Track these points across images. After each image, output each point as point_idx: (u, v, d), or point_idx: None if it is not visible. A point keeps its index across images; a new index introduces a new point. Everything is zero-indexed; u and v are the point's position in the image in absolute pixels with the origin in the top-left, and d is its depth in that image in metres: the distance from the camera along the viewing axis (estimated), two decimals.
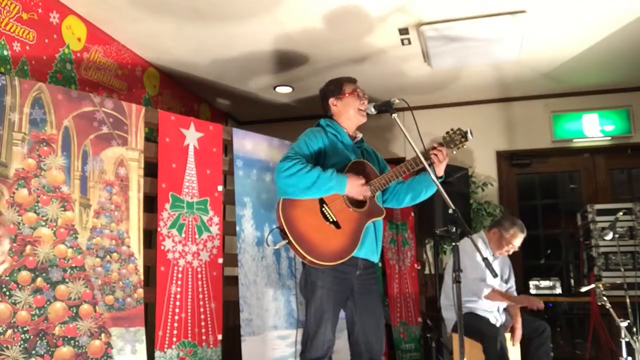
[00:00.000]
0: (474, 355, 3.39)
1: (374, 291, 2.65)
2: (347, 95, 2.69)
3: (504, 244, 3.54)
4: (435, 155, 2.51)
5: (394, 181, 2.57)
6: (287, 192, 2.43)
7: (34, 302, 2.26)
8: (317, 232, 2.44)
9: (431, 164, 2.51)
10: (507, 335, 3.45)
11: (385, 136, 5.29)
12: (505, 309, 3.62)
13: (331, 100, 2.72)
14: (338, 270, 2.48)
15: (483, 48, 3.89)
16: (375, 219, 2.59)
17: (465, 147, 2.56)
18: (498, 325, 3.47)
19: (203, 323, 2.79)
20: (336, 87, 2.73)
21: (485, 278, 3.45)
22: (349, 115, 2.68)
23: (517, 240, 3.53)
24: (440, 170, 2.54)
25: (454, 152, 2.57)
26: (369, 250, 2.58)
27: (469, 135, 2.51)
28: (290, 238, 2.40)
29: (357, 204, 2.53)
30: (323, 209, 2.48)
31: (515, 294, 3.75)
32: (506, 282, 3.74)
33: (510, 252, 3.59)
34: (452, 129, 2.57)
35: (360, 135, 2.78)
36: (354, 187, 2.46)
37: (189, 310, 2.74)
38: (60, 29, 3.35)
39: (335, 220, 2.47)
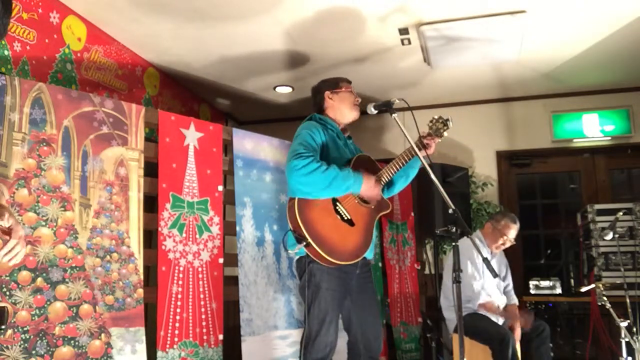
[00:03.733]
0: (475, 355, 3.39)
1: (370, 289, 2.65)
2: (343, 89, 2.73)
3: (498, 237, 3.55)
4: (429, 144, 2.67)
5: (393, 176, 2.61)
6: (303, 191, 2.36)
7: (34, 302, 2.26)
8: (334, 232, 2.41)
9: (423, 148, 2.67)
10: None
11: (385, 136, 5.29)
12: (504, 309, 3.62)
13: (327, 93, 2.73)
14: (342, 270, 2.48)
15: (483, 48, 3.89)
16: (384, 212, 2.60)
17: (446, 135, 2.76)
18: (500, 323, 3.47)
19: (204, 323, 2.79)
20: (333, 82, 2.78)
21: (479, 292, 3.43)
22: (343, 110, 2.71)
23: (511, 231, 3.53)
24: (426, 155, 2.69)
25: (439, 140, 2.75)
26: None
27: (449, 123, 2.69)
28: (310, 240, 2.34)
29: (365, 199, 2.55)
30: (337, 207, 2.45)
31: (513, 292, 3.75)
32: (503, 279, 3.74)
33: (507, 245, 3.58)
34: (434, 118, 2.75)
35: (348, 132, 2.81)
36: (370, 188, 2.45)
37: (190, 310, 2.74)
38: (61, 29, 3.35)
39: (349, 218, 2.46)
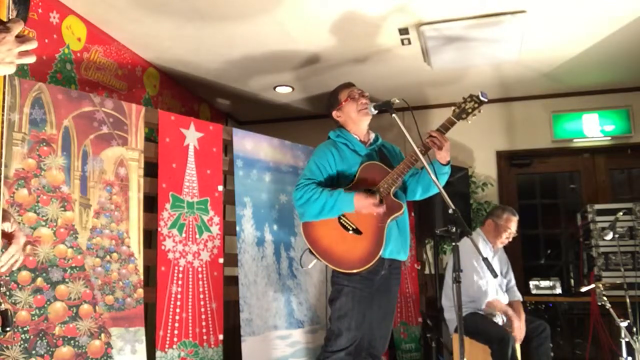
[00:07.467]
0: (475, 355, 3.39)
1: (392, 290, 2.70)
2: (343, 103, 2.74)
3: (501, 231, 3.58)
4: (432, 142, 2.47)
5: (402, 178, 2.57)
6: (304, 217, 2.59)
7: (34, 302, 2.26)
8: (340, 244, 2.53)
9: (426, 152, 2.48)
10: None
11: (386, 136, 5.23)
12: (509, 305, 3.62)
13: (334, 113, 2.79)
14: (365, 271, 2.52)
15: (483, 48, 3.88)
16: (395, 214, 2.58)
17: (481, 112, 2.44)
18: (501, 324, 3.47)
19: (204, 323, 2.79)
20: (334, 99, 2.80)
21: (487, 291, 3.44)
22: (354, 119, 2.73)
23: (513, 224, 3.59)
24: (445, 156, 2.51)
25: (469, 122, 2.45)
26: (395, 249, 2.60)
27: (482, 97, 2.39)
28: (318, 256, 2.54)
29: None
30: (341, 220, 2.54)
31: (515, 289, 3.75)
32: (505, 276, 3.75)
33: (510, 239, 3.61)
34: (463, 97, 2.47)
35: (373, 136, 2.80)
36: (363, 206, 2.49)
37: (190, 310, 2.75)
38: (60, 29, 3.35)
39: (355, 227, 2.53)
